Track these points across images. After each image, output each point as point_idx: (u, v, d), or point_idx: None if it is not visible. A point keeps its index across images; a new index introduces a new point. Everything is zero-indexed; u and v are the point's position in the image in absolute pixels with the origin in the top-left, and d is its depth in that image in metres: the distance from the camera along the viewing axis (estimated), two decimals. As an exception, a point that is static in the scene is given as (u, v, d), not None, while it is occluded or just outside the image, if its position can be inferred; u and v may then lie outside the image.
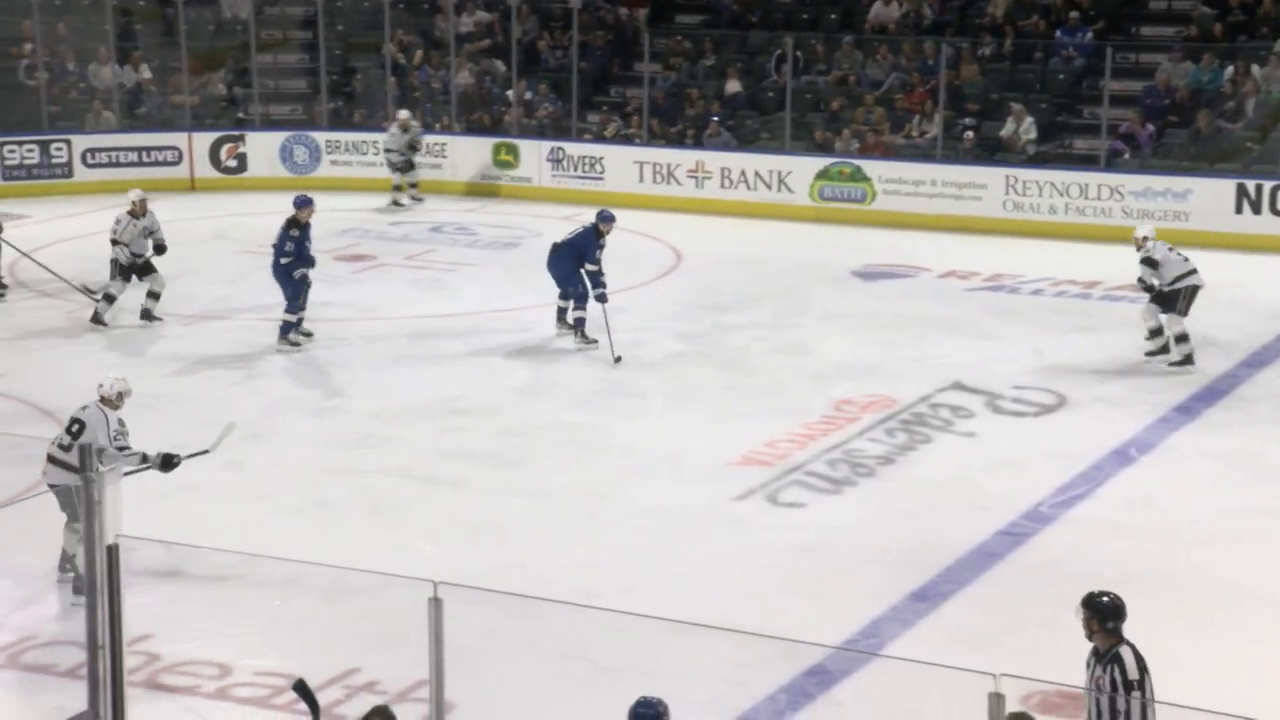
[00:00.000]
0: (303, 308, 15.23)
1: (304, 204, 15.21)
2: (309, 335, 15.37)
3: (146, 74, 24.01)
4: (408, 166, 22.06)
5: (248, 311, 16.47)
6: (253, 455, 12.34)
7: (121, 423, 9.96)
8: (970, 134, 21.41)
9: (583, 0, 23.79)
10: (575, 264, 15.30)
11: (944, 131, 21.43)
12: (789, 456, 12.36)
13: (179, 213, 21.32)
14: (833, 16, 24.16)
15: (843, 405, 13.62)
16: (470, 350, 15.36)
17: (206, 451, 10.28)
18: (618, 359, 14.76)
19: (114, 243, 16.06)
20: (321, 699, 6.95)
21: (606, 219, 15.41)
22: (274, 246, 15.21)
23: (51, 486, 9.78)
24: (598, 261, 15.13)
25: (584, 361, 14.96)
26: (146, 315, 16.00)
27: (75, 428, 9.82)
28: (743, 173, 21.97)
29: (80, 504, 9.47)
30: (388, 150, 22.20)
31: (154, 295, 16.09)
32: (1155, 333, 14.67)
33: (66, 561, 9.71)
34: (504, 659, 8.64)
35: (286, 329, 15.19)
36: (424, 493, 11.69)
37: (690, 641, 8.21)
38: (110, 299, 15.98)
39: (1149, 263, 14.49)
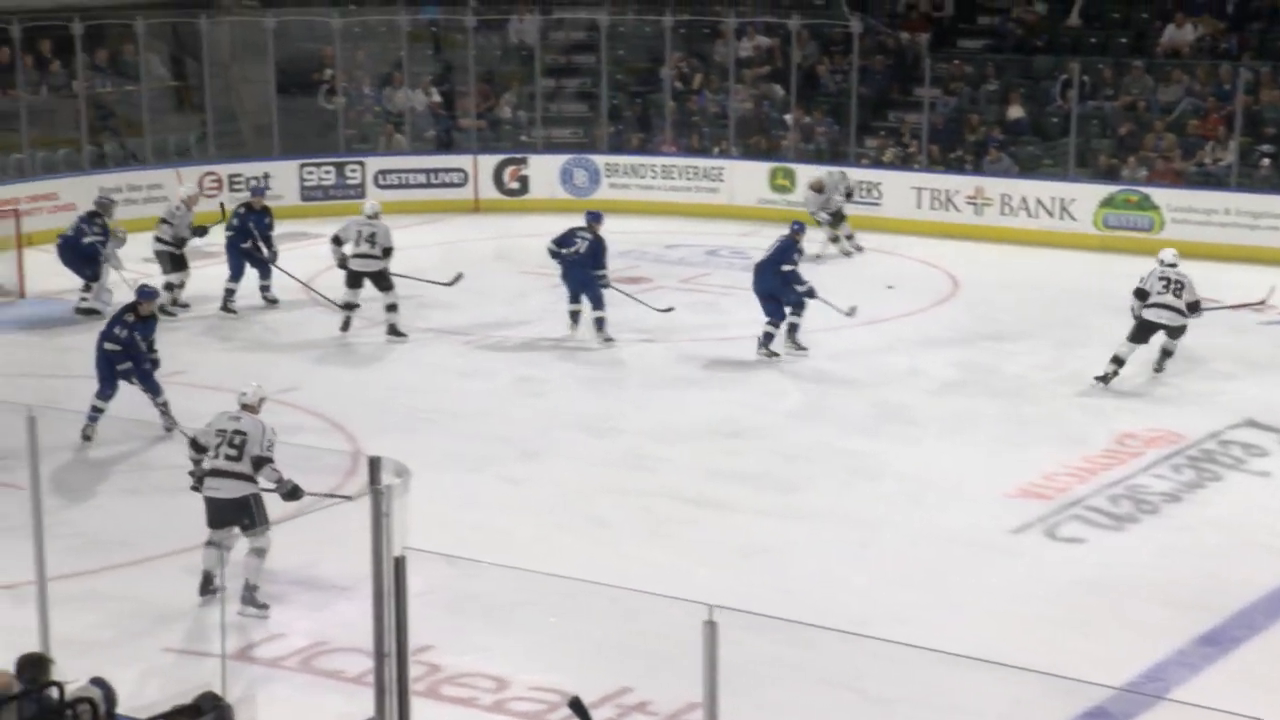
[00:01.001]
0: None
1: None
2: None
3: (436, 98, 24.75)
4: (839, 218, 21.14)
5: (528, 329, 16.79)
6: (531, 471, 12.59)
7: (273, 431, 10.06)
8: (1267, 161, 20.57)
9: (863, 25, 23.67)
10: (780, 278, 15.72)
11: (1240, 159, 20.64)
12: (1068, 490, 12.03)
13: (463, 233, 21.95)
14: (1123, 40, 23.51)
15: (1126, 439, 13.20)
16: (743, 373, 15.37)
17: (349, 498, 10.06)
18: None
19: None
20: (595, 716, 7.01)
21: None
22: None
23: (217, 499, 9.84)
24: (795, 263, 15.77)
25: (857, 386, 14.85)
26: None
27: (239, 439, 9.89)
28: (1024, 199, 21.53)
29: (257, 512, 9.88)
30: (813, 212, 20.55)
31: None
32: None
33: (209, 585, 9.85)
34: (775, 685, 8.59)
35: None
36: (697, 515, 11.73)
37: (964, 675, 8.05)
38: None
39: None
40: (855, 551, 11.03)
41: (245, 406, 10.16)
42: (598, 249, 16.19)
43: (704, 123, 24.36)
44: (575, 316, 16.36)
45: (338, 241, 16.58)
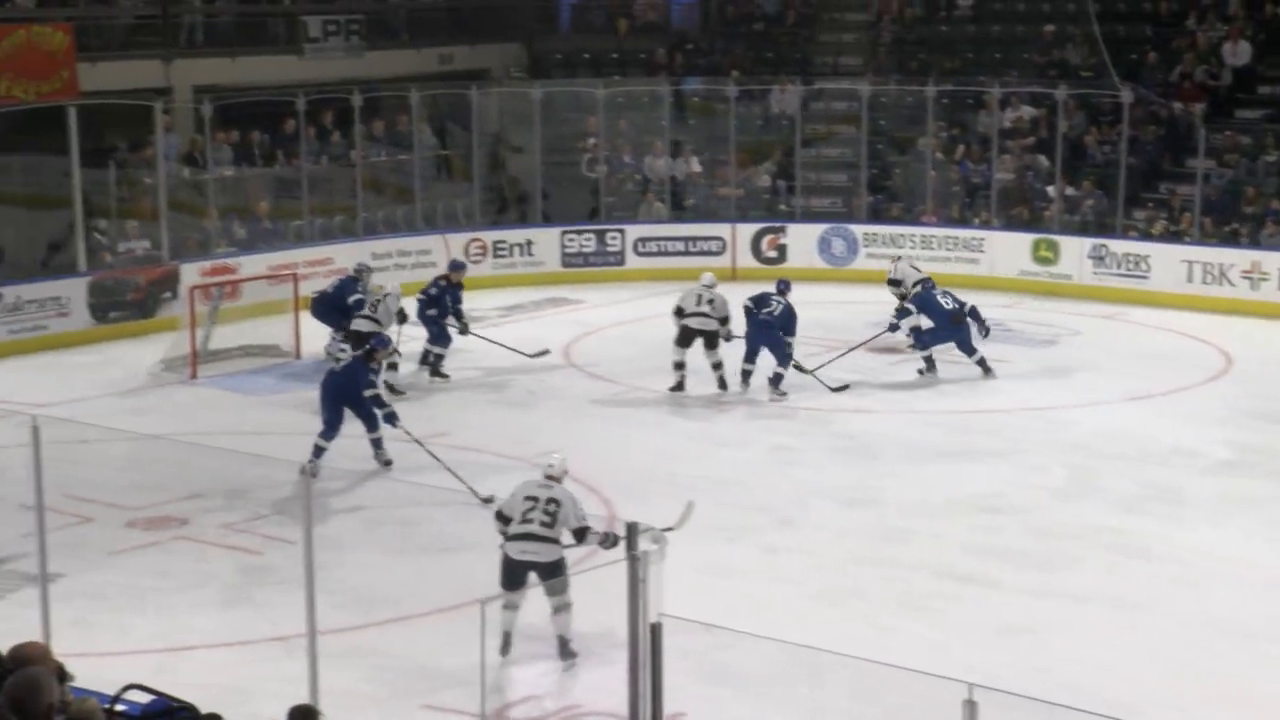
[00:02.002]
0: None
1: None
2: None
3: (696, 167, 25.01)
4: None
5: (784, 399, 16.75)
6: (786, 540, 12.53)
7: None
8: None
9: (1135, 95, 23.12)
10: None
11: None
12: (1353, 580, 11.46)
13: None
14: None
15: None
16: (1005, 447, 15.08)
17: (671, 529, 10.30)
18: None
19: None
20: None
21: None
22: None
23: (534, 563, 10.10)
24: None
25: (1124, 463, 14.43)
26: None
27: (553, 507, 10.16)
28: (1304, 274, 20.72)
29: (563, 577, 10.05)
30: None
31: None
32: None
33: (507, 645, 10.12)
34: (1037, 769, 8.34)
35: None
36: (954, 589, 11.51)
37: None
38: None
39: None
40: (1120, 634, 10.68)
41: (550, 477, 10.46)
42: (790, 315, 16.92)
43: (965, 193, 24.09)
44: (747, 376, 16.91)
45: (679, 313, 17.03)
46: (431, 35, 27.10)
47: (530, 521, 10.15)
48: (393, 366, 16.81)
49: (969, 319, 17.72)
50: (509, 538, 10.19)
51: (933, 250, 23.31)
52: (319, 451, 13.83)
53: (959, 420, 16.03)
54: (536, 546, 10.17)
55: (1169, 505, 13.31)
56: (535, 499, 10.24)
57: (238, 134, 22.29)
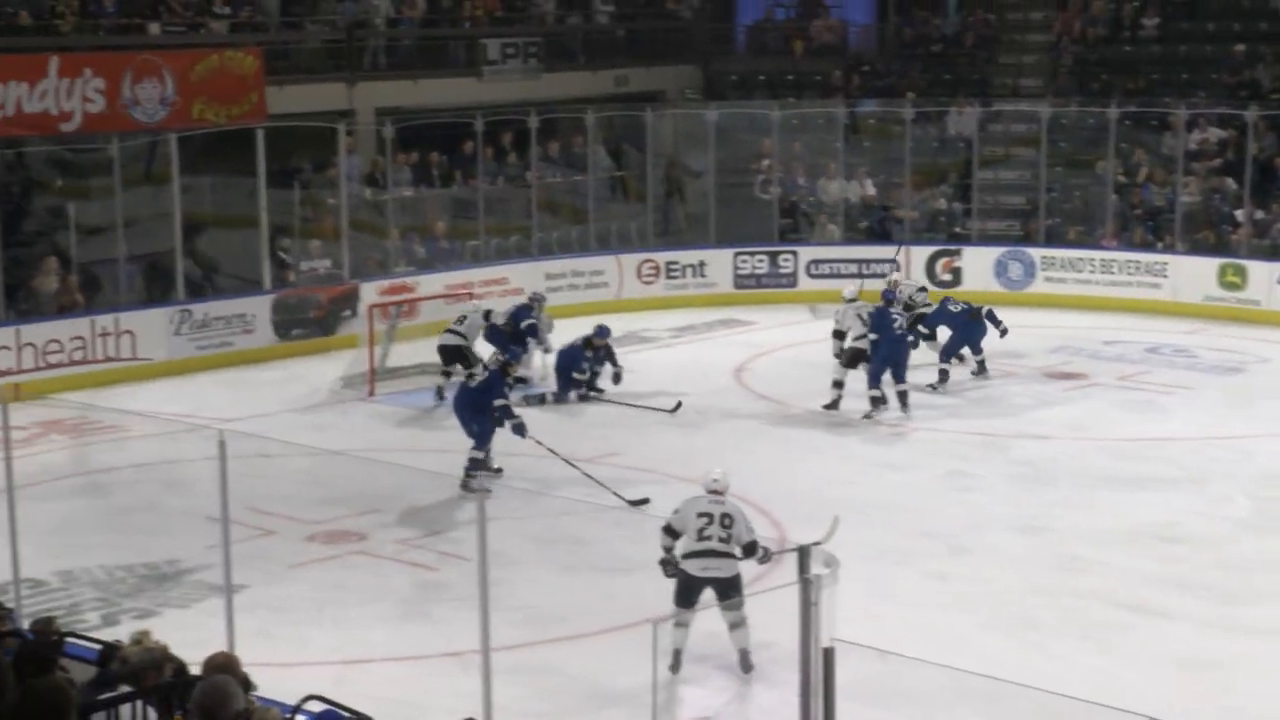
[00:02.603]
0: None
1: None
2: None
3: (870, 189, 24.87)
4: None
5: (958, 422, 16.59)
6: (957, 568, 12.39)
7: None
8: None
9: (1328, 115, 22.46)
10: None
11: None
12: None
13: (894, 324, 21.84)
14: None
15: None
16: (1186, 476, 14.74)
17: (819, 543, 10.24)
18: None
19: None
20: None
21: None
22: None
23: (717, 578, 10.18)
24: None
25: (1313, 497, 14.01)
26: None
27: (728, 521, 10.23)
28: None
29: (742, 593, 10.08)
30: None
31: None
32: None
33: (678, 664, 10.16)
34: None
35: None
36: (1133, 621, 11.27)
37: None
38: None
39: None
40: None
41: (716, 491, 10.48)
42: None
43: (1147, 216, 23.60)
44: (903, 397, 16.79)
45: (840, 335, 17.24)
46: (608, 57, 27.40)
47: (709, 538, 10.20)
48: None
49: (986, 320, 18.26)
50: (686, 555, 10.23)
51: (1113, 274, 22.87)
52: (475, 464, 14.02)
53: (1138, 448, 15.70)
54: (717, 563, 10.22)
55: (1360, 539, 12.88)
56: (709, 515, 10.27)
57: (417, 155, 22.75)
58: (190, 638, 8.49)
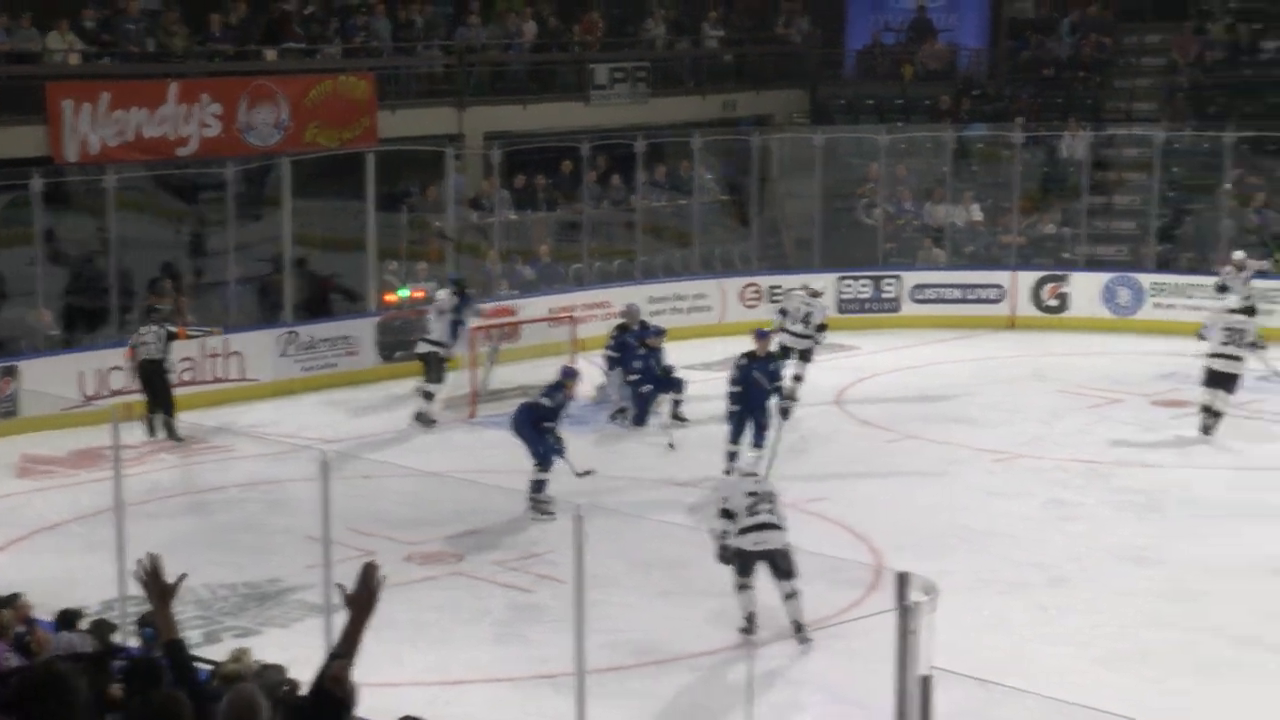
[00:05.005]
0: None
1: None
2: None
3: (977, 214, 24.60)
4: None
5: (1062, 450, 16.32)
6: (1063, 598, 12.15)
7: None
8: None
9: None
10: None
11: None
12: None
13: (997, 350, 21.62)
14: None
15: None
16: (1299, 508, 14.37)
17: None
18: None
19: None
20: None
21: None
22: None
23: (771, 550, 10.92)
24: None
25: None
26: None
27: (771, 498, 11.23)
28: None
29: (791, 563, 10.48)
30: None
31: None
32: None
33: (753, 624, 10.86)
34: None
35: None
36: (1251, 657, 10.99)
37: None
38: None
39: None
40: None
41: (752, 474, 11.77)
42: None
43: (1262, 241, 23.11)
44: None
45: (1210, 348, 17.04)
46: (716, 82, 27.37)
47: (758, 513, 10.98)
48: (427, 396, 17.39)
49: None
50: (742, 530, 10.97)
51: (1226, 300, 22.36)
52: (539, 486, 14.05)
53: (1250, 477, 15.35)
54: (771, 535, 10.98)
55: None
56: (755, 493, 11.07)
57: (524, 179, 22.85)
58: (288, 656, 8.54)
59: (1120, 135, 25.18)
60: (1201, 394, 16.92)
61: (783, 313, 18.71)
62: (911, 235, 24.72)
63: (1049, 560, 12.98)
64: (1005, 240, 24.23)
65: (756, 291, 23.12)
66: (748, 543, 10.96)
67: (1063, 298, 23.29)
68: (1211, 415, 16.78)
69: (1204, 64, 26.38)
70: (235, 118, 20.23)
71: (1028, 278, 23.39)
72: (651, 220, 23.81)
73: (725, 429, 15.35)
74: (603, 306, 21.47)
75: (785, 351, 17.58)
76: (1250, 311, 20.17)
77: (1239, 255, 20.93)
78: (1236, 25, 26.46)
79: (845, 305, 23.38)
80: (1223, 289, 20.41)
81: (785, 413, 15.60)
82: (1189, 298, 22.57)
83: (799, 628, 10.89)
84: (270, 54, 22.05)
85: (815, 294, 19.09)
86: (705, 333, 21.88)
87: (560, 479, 14.25)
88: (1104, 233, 24.42)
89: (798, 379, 17.94)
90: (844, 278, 23.54)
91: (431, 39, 24.54)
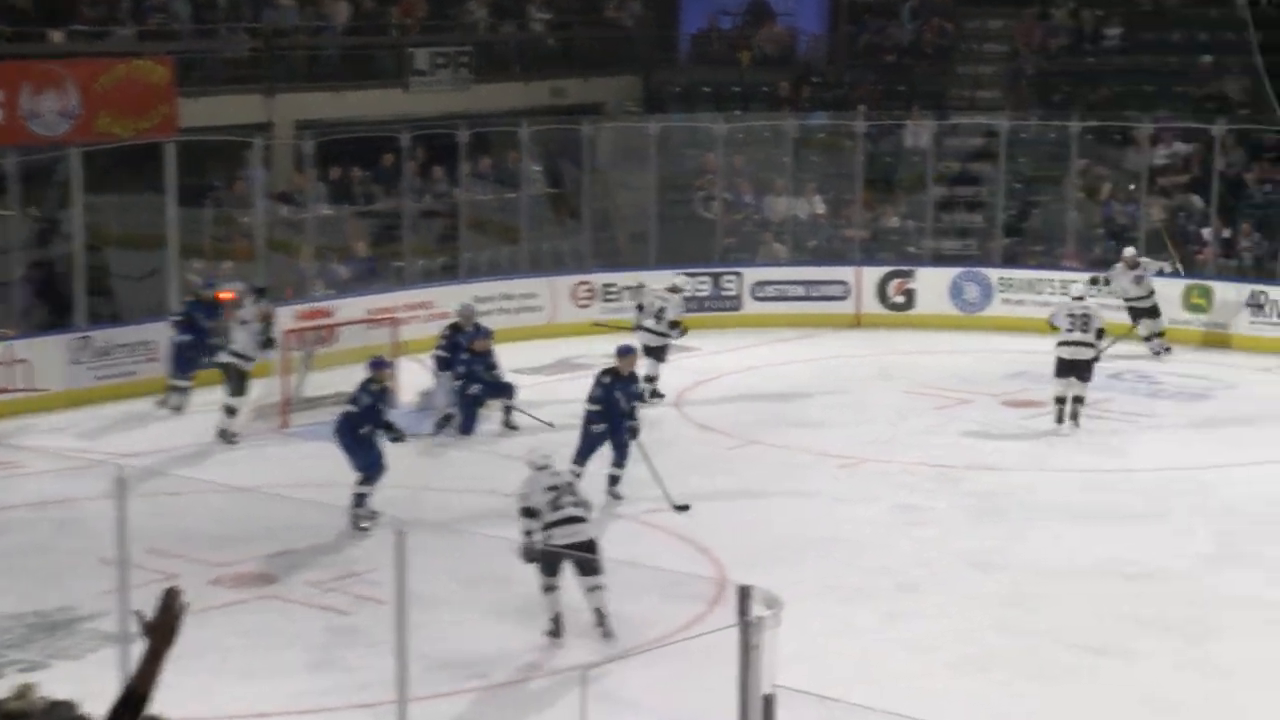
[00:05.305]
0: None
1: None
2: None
3: (820, 207, 24.93)
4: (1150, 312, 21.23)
5: (911, 453, 16.60)
6: (910, 606, 12.35)
7: None
8: None
9: (1300, 127, 22.60)
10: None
11: None
12: None
13: (842, 349, 21.92)
14: None
15: None
16: (1148, 510, 14.79)
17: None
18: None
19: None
20: None
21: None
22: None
23: (580, 542, 11.21)
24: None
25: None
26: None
27: (573, 489, 11.58)
28: None
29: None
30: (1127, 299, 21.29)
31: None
32: None
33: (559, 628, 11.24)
34: None
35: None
36: (1094, 662, 11.28)
37: None
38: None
39: None
40: (1277, 713, 10.38)
41: (545, 467, 11.64)
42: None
43: (1110, 235, 23.75)
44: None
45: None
46: (544, 68, 27.39)
47: (563, 507, 11.22)
48: (229, 411, 17.28)
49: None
50: (548, 526, 11.17)
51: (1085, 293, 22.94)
52: (360, 500, 14.00)
53: (1098, 479, 15.76)
54: (578, 527, 11.22)
55: (1332, 575, 12.94)
56: (555, 487, 11.28)
57: (339, 170, 22.61)
58: (81, 690, 8.31)
59: (964, 124, 25.69)
60: (1054, 385, 17.39)
61: (639, 308, 18.85)
62: (751, 229, 24.96)
63: (897, 566, 13.20)
64: (849, 234, 24.59)
65: (589, 290, 23.16)
66: (558, 538, 11.13)
67: (909, 294, 23.70)
68: (1065, 404, 17.30)
69: (1048, 51, 27.05)
70: (18, 105, 19.70)
71: (873, 273, 23.76)
72: (477, 215, 23.70)
73: (572, 448, 14.89)
74: (425, 307, 21.33)
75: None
76: (1150, 312, 20.65)
77: (1130, 252, 21.36)
78: (1080, 11, 27.18)
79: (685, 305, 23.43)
80: (1105, 282, 20.85)
81: (633, 431, 14.94)
82: (1038, 293, 23.10)
83: (601, 618, 11.16)
84: (57, 36, 21.52)
85: (674, 289, 19.25)
86: (535, 334, 21.87)
87: (386, 490, 14.13)
88: (950, 226, 24.90)
89: (650, 380, 18.02)
90: (681, 275, 23.62)
91: (236, 21, 24.17)
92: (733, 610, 7.15)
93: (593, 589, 11.20)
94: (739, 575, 10.25)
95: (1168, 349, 21.06)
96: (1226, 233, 22.91)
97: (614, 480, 14.95)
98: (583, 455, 14.90)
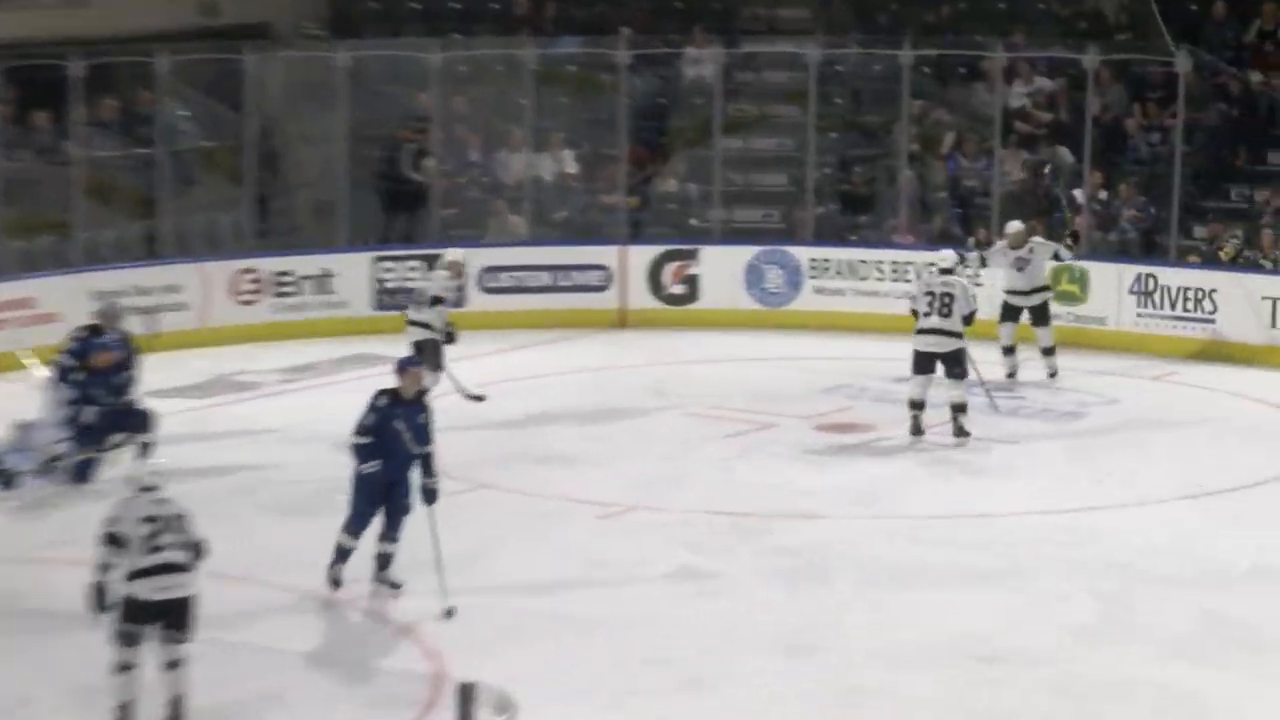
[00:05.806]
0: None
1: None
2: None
3: (571, 166, 25.05)
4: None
5: (696, 496, 16.78)
6: (698, 709, 12.46)
7: None
8: None
9: (1193, 61, 23.30)
10: None
11: None
12: None
13: (605, 358, 22.07)
14: None
15: None
16: (1008, 567, 15.13)
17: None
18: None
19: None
20: None
21: None
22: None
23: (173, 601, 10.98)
24: None
25: (1176, 588, 14.56)
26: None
27: (179, 523, 11.24)
28: None
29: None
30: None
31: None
32: None
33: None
34: None
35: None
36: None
37: None
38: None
39: None
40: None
41: (151, 488, 11.41)
42: None
43: (955, 201, 24.29)
44: None
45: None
46: (189, -25, 27.11)
47: (160, 548, 11.09)
48: None
49: None
50: (134, 574, 10.99)
51: (908, 283, 23.35)
52: None
53: (942, 529, 16.08)
54: (175, 579, 11.11)
55: (1246, 651, 13.41)
56: (155, 517, 11.17)
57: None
58: None
59: (763, 54, 26.05)
60: (910, 385, 17.79)
61: (407, 292, 18.94)
62: (479, 197, 25.00)
63: (678, 655, 13.29)
64: (610, 202, 24.74)
65: (255, 280, 22.99)
66: (146, 589, 10.99)
67: (691, 282, 23.99)
68: (921, 412, 18.08)
69: (871, -42, 27.58)
70: None
71: (643, 255, 24.01)
72: (97, 177, 23.34)
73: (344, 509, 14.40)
74: (26, 306, 21.00)
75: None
76: (1039, 315, 20.92)
77: (1016, 226, 21.35)
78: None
79: (384, 299, 23.41)
80: (982, 263, 21.26)
81: (428, 493, 14.13)
82: (861, 279, 23.51)
83: (178, 711, 11.05)
84: None
85: (454, 264, 19.44)
86: (181, 341, 21.58)
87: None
88: (745, 191, 25.20)
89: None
90: (383, 258, 23.62)
91: None
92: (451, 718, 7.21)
93: (173, 664, 11.04)
94: (459, 668, 10.30)
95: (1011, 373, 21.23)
96: (1103, 196, 23.51)
97: (383, 562, 14.25)
98: (356, 522, 14.13)
